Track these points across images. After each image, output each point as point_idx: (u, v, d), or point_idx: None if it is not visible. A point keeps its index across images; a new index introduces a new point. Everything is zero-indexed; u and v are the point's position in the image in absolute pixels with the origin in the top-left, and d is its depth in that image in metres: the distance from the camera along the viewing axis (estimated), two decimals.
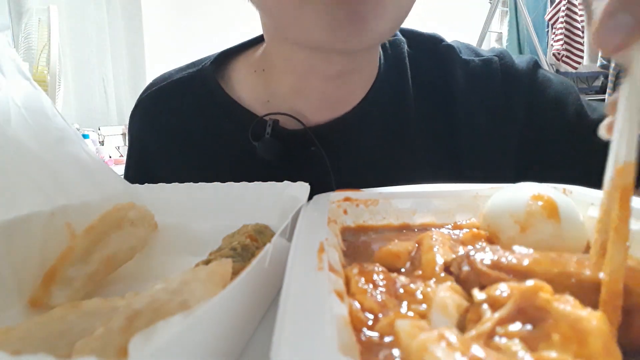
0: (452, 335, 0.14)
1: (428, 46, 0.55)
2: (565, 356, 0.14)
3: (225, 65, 0.57)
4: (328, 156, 0.49)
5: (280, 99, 0.52)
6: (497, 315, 0.16)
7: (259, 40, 0.56)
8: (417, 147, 0.52)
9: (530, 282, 0.17)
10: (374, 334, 0.17)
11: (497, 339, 0.16)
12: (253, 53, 0.56)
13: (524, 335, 0.16)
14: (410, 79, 0.53)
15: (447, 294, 0.18)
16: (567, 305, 0.16)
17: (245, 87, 0.54)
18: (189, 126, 0.55)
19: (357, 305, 0.19)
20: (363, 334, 0.17)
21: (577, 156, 0.50)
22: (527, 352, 0.15)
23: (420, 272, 0.23)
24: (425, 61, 0.54)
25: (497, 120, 0.52)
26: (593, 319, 0.15)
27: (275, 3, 0.39)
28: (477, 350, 0.14)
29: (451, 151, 0.52)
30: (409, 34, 0.56)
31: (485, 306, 0.17)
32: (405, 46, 0.54)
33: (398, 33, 0.56)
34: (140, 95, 0.60)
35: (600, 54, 2.28)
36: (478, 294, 0.18)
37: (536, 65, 0.54)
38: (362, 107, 0.51)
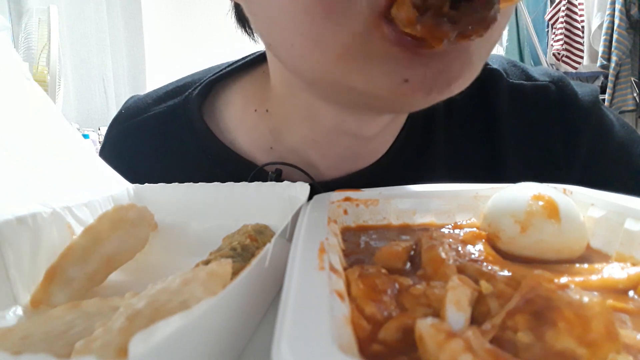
0: (478, 343, 0.14)
1: None
2: (571, 345, 0.15)
3: (215, 96, 0.46)
4: None
5: (287, 148, 0.43)
6: (506, 308, 0.17)
7: (255, 61, 0.46)
8: None
9: (536, 273, 0.18)
10: (381, 348, 0.17)
11: (508, 331, 0.16)
12: (251, 82, 0.46)
13: (532, 325, 0.16)
14: (443, 112, 0.46)
15: (458, 289, 0.18)
16: (570, 292, 0.17)
17: (242, 128, 0.45)
18: (169, 176, 0.44)
19: (357, 312, 0.18)
20: (367, 344, 0.17)
21: None
22: (537, 343, 0.15)
23: (421, 272, 0.23)
24: (463, 93, 0.47)
25: (549, 156, 0.46)
26: (595, 305, 0.16)
27: (311, 58, 0.27)
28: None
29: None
30: None
31: (492, 298, 0.18)
32: None
33: None
34: (109, 130, 0.49)
35: (600, 54, 2.28)
36: (485, 286, 0.19)
37: (599, 102, 0.47)
38: (386, 158, 0.44)
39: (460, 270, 0.22)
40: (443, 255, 0.23)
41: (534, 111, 0.46)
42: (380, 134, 0.42)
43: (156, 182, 0.44)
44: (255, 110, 0.44)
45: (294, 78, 0.38)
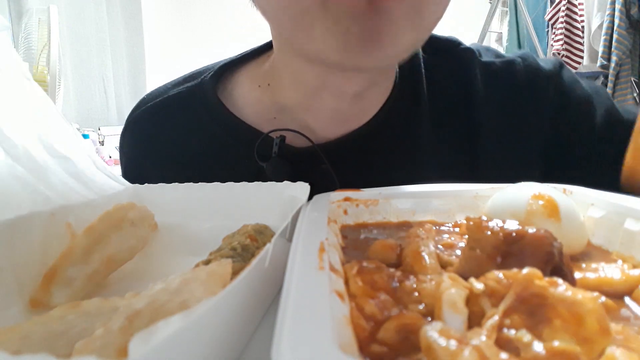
0: (492, 352, 0.14)
1: (445, 50, 0.52)
2: (568, 342, 0.15)
3: (226, 79, 0.53)
4: (340, 172, 0.47)
5: (287, 115, 0.49)
6: (501, 307, 0.17)
7: (261, 51, 0.53)
8: (433, 158, 0.50)
9: (525, 270, 0.18)
10: (381, 348, 0.17)
11: (505, 330, 0.16)
12: (257, 66, 0.53)
13: (528, 324, 0.16)
14: (426, 86, 0.51)
15: (453, 289, 0.18)
16: (562, 289, 0.17)
17: (249, 102, 0.51)
18: (188, 147, 0.51)
19: (356, 311, 0.18)
20: (367, 343, 0.17)
21: (606, 161, 0.48)
22: (540, 342, 0.15)
23: (403, 266, 0.24)
24: (442, 66, 0.52)
25: (521, 124, 0.50)
26: (588, 302, 0.16)
27: (284, 17, 0.36)
28: None
29: (469, 159, 0.50)
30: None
31: (484, 297, 0.18)
32: (421, 51, 0.52)
33: None
34: (132, 113, 0.56)
35: (600, 54, 2.28)
36: (476, 284, 0.18)
37: (562, 65, 0.52)
38: (376, 120, 0.48)
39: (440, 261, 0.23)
40: (421, 248, 0.24)
41: (504, 84, 0.50)
42: (364, 95, 0.46)
43: (177, 153, 0.51)
44: (259, 86, 0.51)
45: (285, 45, 0.44)
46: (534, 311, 0.16)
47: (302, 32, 0.35)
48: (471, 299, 0.18)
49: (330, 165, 0.47)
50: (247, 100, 0.51)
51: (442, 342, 0.15)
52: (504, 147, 0.49)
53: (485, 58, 0.52)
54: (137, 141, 0.55)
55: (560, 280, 0.17)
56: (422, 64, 0.51)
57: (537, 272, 0.17)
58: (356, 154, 0.48)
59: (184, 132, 0.52)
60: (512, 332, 0.16)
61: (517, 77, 0.51)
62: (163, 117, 0.53)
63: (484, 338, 0.15)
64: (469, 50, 0.52)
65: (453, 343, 0.14)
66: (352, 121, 0.49)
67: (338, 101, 0.46)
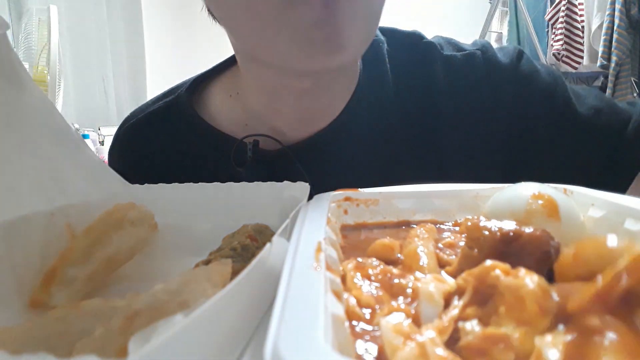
0: (433, 349, 0.14)
1: (408, 44, 0.53)
2: (508, 326, 0.15)
3: (201, 92, 0.56)
4: (312, 171, 0.48)
5: (258, 121, 0.51)
6: (462, 301, 0.18)
7: (231, 62, 0.56)
8: (401, 152, 0.51)
9: (488, 263, 0.18)
10: (370, 327, 0.17)
11: (459, 323, 0.17)
12: (227, 77, 0.55)
13: (479, 314, 0.17)
14: (392, 81, 0.51)
15: (432, 284, 0.19)
16: (514, 277, 0.17)
17: (223, 112, 0.53)
18: (169, 157, 0.54)
19: (353, 300, 0.19)
20: (358, 326, 0.18)
21: (564, 154, 0.49)
22: (479, 332, 0.16)
23: (401, 265, 0.24)
24: (405, 60, 0.52)
25: (482, 117, 0.50)
26: (529, 284, 0.16)
27: (246, 27, 0.37)
28: None
29: (435, 152, 0.51)
30: (389, 33, 0.54)
31: (455, 294, 0.19)
32: (385, 46, 0.53)
33: (378, 32, 0.54)
34: (117, 131, 0.59)
35: (600, 54, 2.28)
36: (450, 283, 0.19)
37: (520, 56, 0.52)
38: (342, 118, 0.49)
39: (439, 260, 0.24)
40: (423, 248, 0.24)
41: (465, 78, 0.51)
42: (324, 93, 0.47)
43: (160, 165, 0.53)
44: (231, 96, 0.53)
45: (243, 53, 0.47)
46: (486, 301, 0.17)
47: (266, 44, 0.37)
48: (446, 298, 0.19)
49: (301, 165, 0.48)
50: (220, 110, 0.54)
51: (389, 335, 0.15)
52: (466, 141, 0.50)
53: (447, 52, 0.53)
54: (122, 156, 0.57)
55: (522, 271, 0.17)
56: (387, 58, 0.52)
57: (498, 264, 0.17)
58: (327, 152, 0.49)
59: (165, 144, 0.54)
60: (463, 323, 0.16)
61: (477, 71, 0.51)
62: (144, 132, 0.56)
63: (432, 334, 0.15)
64: (430, 45, 0.53)
65: (400, 337, 0.15)
66: (319, 120, 0.50)
67: (298, 100, 0.47)
